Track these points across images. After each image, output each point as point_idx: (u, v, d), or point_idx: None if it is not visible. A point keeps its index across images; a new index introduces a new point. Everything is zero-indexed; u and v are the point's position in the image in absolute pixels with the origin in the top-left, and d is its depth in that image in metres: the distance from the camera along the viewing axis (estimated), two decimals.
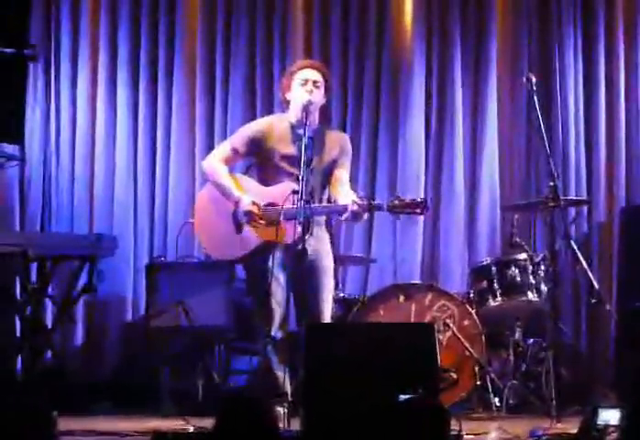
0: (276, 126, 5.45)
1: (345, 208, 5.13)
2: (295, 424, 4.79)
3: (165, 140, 7.46)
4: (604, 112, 7.27)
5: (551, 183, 5.64)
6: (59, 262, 6.63)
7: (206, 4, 7.50)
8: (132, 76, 7.48)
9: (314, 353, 4.67)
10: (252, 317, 5.50)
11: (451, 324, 6.07)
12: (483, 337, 6.07)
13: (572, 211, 6.82)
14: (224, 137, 7.24)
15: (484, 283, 6.29)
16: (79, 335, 7.28)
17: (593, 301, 5.81)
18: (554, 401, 5.36)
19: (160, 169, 7.45)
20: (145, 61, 7.49)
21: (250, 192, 5.34)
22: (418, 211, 5.10)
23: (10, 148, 7.02)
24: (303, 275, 5.22)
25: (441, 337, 5.98)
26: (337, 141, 5.50)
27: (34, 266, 6.62)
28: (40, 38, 7.38)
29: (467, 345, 6.01)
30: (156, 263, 6.73)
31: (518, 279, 6.25)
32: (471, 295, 6.35)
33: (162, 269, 6.49)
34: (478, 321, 6.09)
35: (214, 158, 5.53)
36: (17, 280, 6.59)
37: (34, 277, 6.63)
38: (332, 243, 5.57)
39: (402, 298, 6.18)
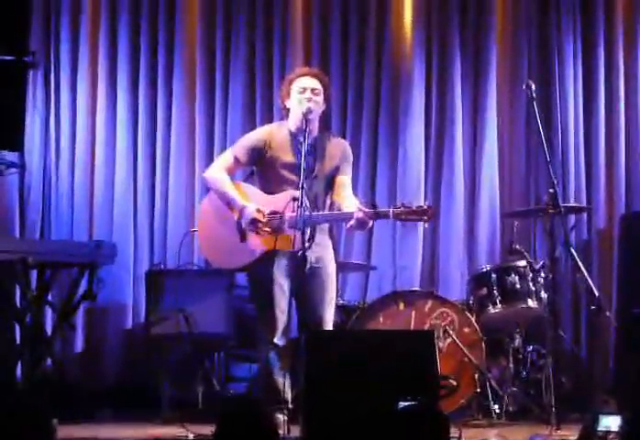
0: (276, 134, 5.46)
1: (351, 216, 5.13)
2: (295, 431, 4.79)
3: (165, 147, 7.46)
4: (604, 119, 7.28)
5: (551, 190, 5.65)
6: (58, 269, 6.64)
7: (206, 12, 7.51)
8: (132, 83, 7.49)
9: (314, 360, 4.68)
10: (255, 324, 5.50)
11: (451, 332, 6.07)
12: (483, 344, 6.07)
13: (572, 218, 6.83)
14: (223, 143, 7.27)
15: (484, 290, 6.29)
16: (79, 343, 7.27)
17: (593, 307, 5.80)
18: (554, 408, 5.36)
19: (159, 176, 7.45)
20: (144, 69, 7.49)
21: (254, 201, 5.34)
22: (424, 218, 5.07)
23: (10, 156, 7.02)
24: (307, 282, 5.24)
25: (441, 344, 5.99)
26: (338, 148, 5.52)
27: (34, 273, 6.62)
28: (40, 46, 7.39)
29: (466, 352, 6.01)
30: (156, 270, 6.73)
31: (518, 286, 6.25)
32: (471, 302, 6.36)
33: (162, 277, 6.49)
34: (477, 328, 6.09)
35: (216, 168, 5.53)
36: (17, 287, 6.60)
37: (34, 284, 6.62)
38: (334, 250, 5.57)
39: (401, 305, 6.18)
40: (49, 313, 7.00)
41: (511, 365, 6.27)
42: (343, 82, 7.39)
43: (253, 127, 6.84)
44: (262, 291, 5.32)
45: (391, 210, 5.08)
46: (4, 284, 6.45)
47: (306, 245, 5.05)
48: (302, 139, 5.23)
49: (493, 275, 6.30)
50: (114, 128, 7.47)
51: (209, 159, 7.23)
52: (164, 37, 7.49)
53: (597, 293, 5.71)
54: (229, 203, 5.37)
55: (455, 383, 5.91)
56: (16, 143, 7.08)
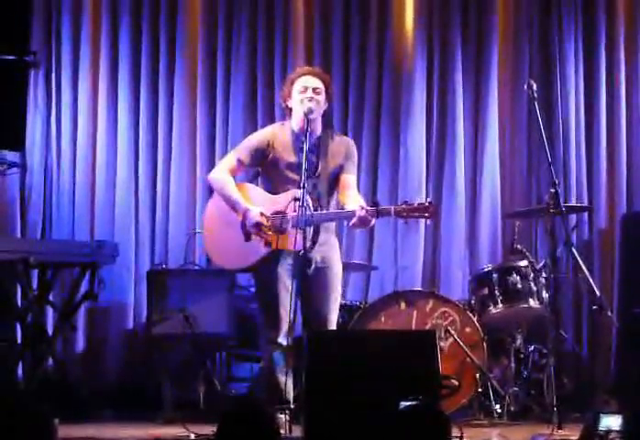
0: (279, 134, 5.47)
1: (353, 214, 5.13)
2: (297, 431, 4.79)
3: (166, 146, 7.46)
4: (605, 118, 7.28)
5: (552, 190, 5.64)
6: (60, 269, 6.64)
7: (207, 12, 7.50)
8: (133, 83, 7.48)
9: (315, 360, 4.67)
10: (257, 324, 5.49)
11: (452, 331, 6.07)
12: (484, 344, 6.06)
13: (573, 217, 6.83)
14: (224, 142, 7.27)
15: (485, 290, 6.29)
16: (80, 343, 7.26)
17: (594, 307, 5.79)
18: (555, 408, 5.35)
19: (161, 175, 7.44)
20: (145, 68, 7.48)
21: (257, 202, 5.35)
22: (426, 215, 5.05)
23: (11, 155, 7.03)
24: (313, 281, 5.25)
25: (442, 344, 5.98)
26: (342, 146, 5.52)
27: (35, 273, 6.62)
28: (41, 45, 7.38)
29: (468, 351, 6.01)
30: (157, 270, 6.72)
31: (519, 285, 6.24)
32: (472, 302, 6.35)
33: (164, 277, 6.48)
34: (479, 328, 6.09)
35: (220, 170, 5.54)
36: (18, 287, 6.59)
37: (35, 284, 6.63)
38: None
39: (403, 305, 6.18)
40: (50, 312, 7.00)
41: (512, 365, 6.26)
42: (344, 82, 7.38)
43: (254, 127, 6.85)
44: (267, 290, 5.33)
45: (392, 207, 5.09)
46: (5, 284, 6.45)
47: (308, 244, 5.05)
48: (304, 139, 5.23)
49: (495, 275, 6.29)
50: (115, 128, 7.46)
51: (210, 159, 7.24)
52: (165, 36, 7.48)
53: (598, 293, 5.70)
54: (233, 206, 5.38)
55: (456, 383, 5.90)
56: (18, 143, 7.08)
